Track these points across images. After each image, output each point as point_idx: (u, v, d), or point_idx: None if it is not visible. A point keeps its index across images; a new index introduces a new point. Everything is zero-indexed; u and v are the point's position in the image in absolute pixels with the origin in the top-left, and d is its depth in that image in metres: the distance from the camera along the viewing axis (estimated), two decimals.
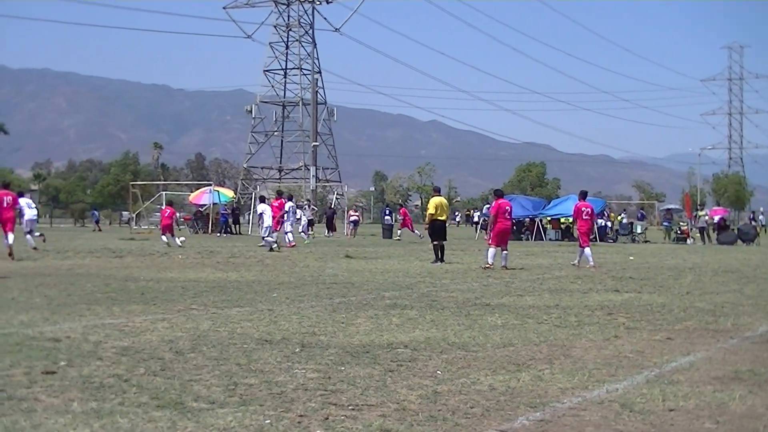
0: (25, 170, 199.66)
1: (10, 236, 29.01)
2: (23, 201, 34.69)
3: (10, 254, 28.48)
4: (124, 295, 17.00)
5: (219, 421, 7.05)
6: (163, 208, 45.80)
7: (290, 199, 42.98)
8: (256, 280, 21.19)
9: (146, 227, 75.02)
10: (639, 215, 67.88)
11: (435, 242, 29.34)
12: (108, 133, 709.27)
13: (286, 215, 40.91)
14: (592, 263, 27.24)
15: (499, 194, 28.52)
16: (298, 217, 40.18)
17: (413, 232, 55.63)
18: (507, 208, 27.78)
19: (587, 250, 27.77)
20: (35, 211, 37.84)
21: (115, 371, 9.07)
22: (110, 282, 19.97)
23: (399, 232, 57.99)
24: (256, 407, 7.56)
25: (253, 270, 24.95)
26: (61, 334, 11.49)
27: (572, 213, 31.75)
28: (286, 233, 40.02)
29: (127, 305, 15.12)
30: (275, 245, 37.09)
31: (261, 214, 39.08)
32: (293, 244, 39.40)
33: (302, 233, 41.49)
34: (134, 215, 79.09)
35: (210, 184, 77.78)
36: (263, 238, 38.84)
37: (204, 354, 10.21)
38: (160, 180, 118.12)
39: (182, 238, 42.31)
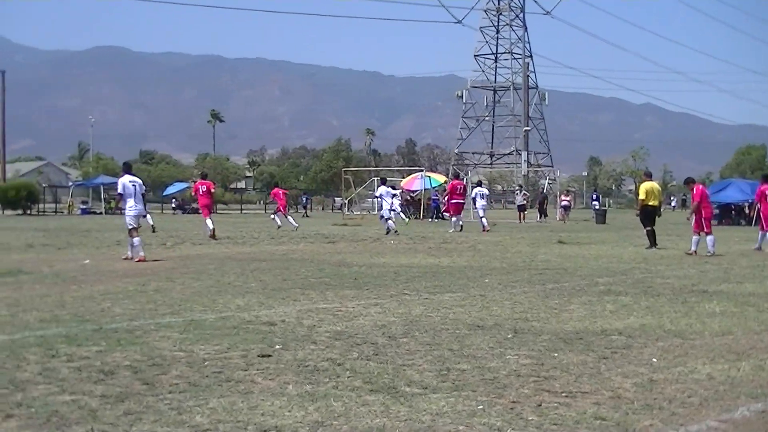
0: (240, 157, 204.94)
1: (208, 221, 32.76)
2: (124, 180, 35.58)
3: (213, 236, 31.95)
4: (337, 280, 17.23)
5: (431, 406, 7.04)
6: (275, 189, 46.49)
7: (383, 183, 42.97)
8: (468, 266, 21.16)
9: (358, 213, 75.97)
10: None
11: (647, 228, 28.76)
12: (320, 120, 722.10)
13: (380, 198, 40.94)
14: None
15: (689, 181, 28.00)
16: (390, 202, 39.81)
17: None
18: (707, 193, 27.61)
19: None
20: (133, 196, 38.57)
21: (329, 355, 9.18)
22: (324, 267, 20.27)
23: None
24: (469, 393, 7.52)
25: (465, 255, 24.93)
26: (276, 318, 11.72)
27: (755, 196, 30.61)
28: (385, 219, 39.67)
29: (340, 290, 15.31)
30: (394, 229, 37.42)
31: (380, 196, 40.01)
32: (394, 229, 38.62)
33: (400, 215, 41.33)
34: (346, 201, 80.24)
35: (422, 170, 78.13)
36: (383, 219, 39.48)
37: (416, 339, 10.24)
38: (371, 166, 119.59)
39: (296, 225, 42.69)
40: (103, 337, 10.09)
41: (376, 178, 71.92)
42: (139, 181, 23.39)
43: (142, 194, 23.16)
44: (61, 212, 62.35)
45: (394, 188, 43.26)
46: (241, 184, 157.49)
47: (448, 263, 21.97)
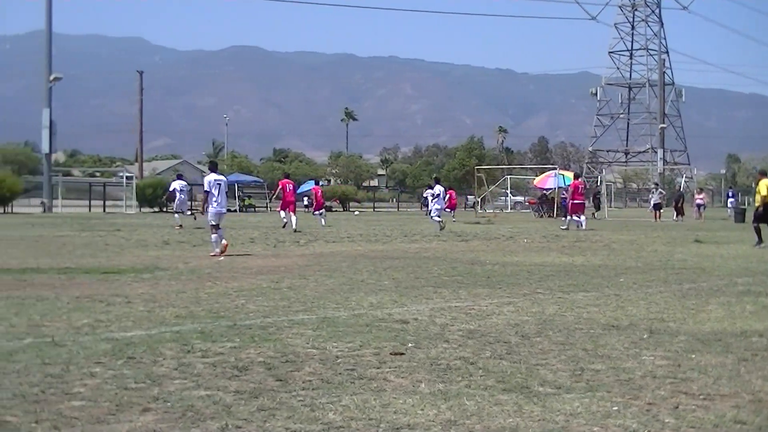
0: (373, 155, 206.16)
1: (293, 217, 37.43)
2: (177, 184, 42.62)
3: (296, 230, 35.89)
4: (470, 278, 17.18)
5: (565, 406, 6.95)
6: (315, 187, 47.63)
7: (438, 183, 42.98)
8: (603, 265, 20.91)
9: (491, 211, 75.77)
10: None
11: (756, 224, 28.33)
12: (453, 118, 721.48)
13: (436, 199, 40.94)
14: None
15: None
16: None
17: None
18: None
19: None
20: (185, 196, 43.54)
21: (462, 354, 9.14)
22: (456, 265, 20.23)
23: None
24: (603, 393, 7.41)
25: (599, 254, 24.66)
26: (408, 316, 11.72)
27: None
28: (433, 217, 40.33)
29: (473, 288, 15.26)
30: (442, 225, 38.00)
31: (437, 195, 40.65)
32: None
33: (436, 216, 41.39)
34: (479, 199, 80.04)
35: (555, 168, 77.58)
36: (431, 217, 40.61)
37: (550, 338, 10.14)
38: (504, 164, 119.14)
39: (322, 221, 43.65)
40: (238, 333, 10.20)
41: (509, 177, 71.70)
42: (224, 179, 24.18)
43: (226, 192, 23.94)
44: (197, 210, 63.23)
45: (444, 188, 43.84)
46: (374, 182, 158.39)
47: (582, 262, 21.75)
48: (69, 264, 19.65)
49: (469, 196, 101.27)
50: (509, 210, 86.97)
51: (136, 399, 7.02)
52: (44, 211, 67.72)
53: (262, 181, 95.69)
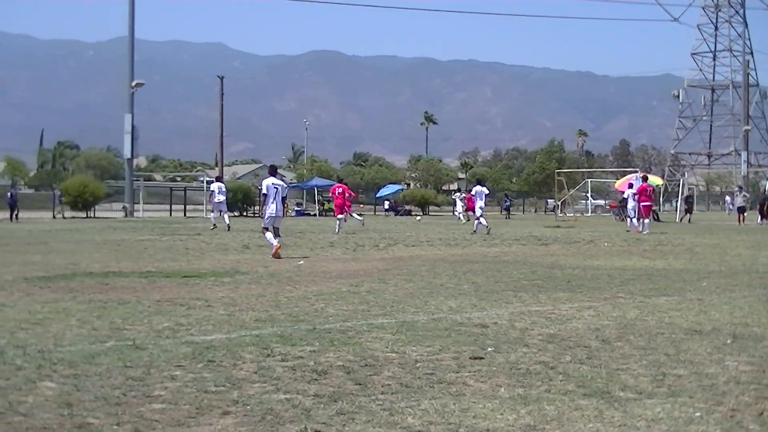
0: (453, 159, 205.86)
1: (340, 217, 40.28)
2: (215, 186, 44.71)
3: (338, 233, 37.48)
4: (550, 282, 17.07)
5: (647, 411, 6.87)
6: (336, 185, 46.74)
7: (479, 183, 43.05)
8: (685, 269, 20.66)
9: (571, 214, 75.35)
10: None
11: None
12: (533, 121, 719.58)
13: (478, 198, 40.91)
14: None
15: None
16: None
17: None
18: None
19: None
20: (223, 197, 44.49)
21: (542, 358, 9.08)
22: (536, 269, 20.13)
23: None
24: (686, 399, 7.30)
25: (681, 258, 24.37)
26: (488, 320, 11.67)
27: None
28: (478, 218, 40.29)
29: (553, 292, 15.16)
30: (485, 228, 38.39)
31: (480, 193, 40.85)
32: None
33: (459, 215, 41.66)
34: (559, 203, 79.66)
35: (636, 171, 76.91)
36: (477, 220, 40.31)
37: (631, 343, 10.03)
38: (584, 167, 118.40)
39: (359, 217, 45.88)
40: (317, 337, 10.23)
41: (589, 180, 71.27)
42: (282, 184, 24.57)
43: (283, 197, 24.24)
44: (311, 213, 64.15)
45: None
46: (453, 186, 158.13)
47: (664, 266, 21.51)
48: (150, 268, 19.89)
49: (549, 200, 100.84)
50: (589, 213, 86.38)
51: (216, 402, 7.07)
52: (126, 215, 68.75)
53: None
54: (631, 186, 47.59)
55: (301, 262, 21.90)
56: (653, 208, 50.01)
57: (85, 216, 67.34)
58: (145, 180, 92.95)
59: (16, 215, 56.92)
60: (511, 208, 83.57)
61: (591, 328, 11.12)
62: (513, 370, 8.43)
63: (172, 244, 29.67)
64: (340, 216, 40.76)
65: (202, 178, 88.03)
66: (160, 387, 7.59)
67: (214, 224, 42.58)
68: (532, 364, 8.77)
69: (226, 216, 43.53)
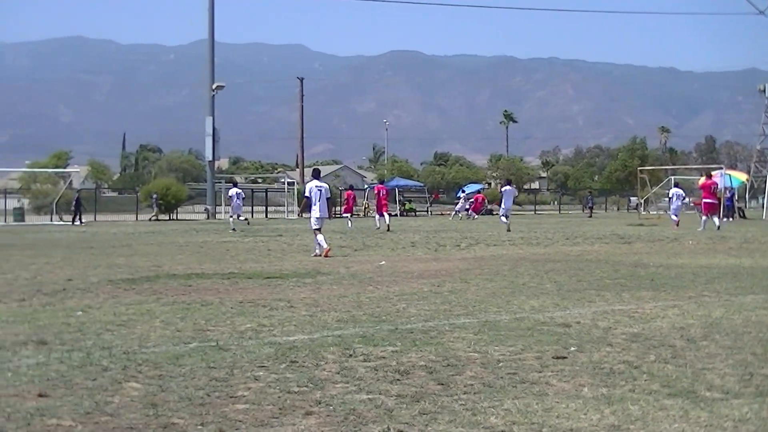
0: (534, 158, 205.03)
1: (387, 216, 42.98)
2: (234, 191, 46.74)
3: (389, 229, 40.93)
4: (633, 281, 16.91)
5: (733, 411, 6.77)
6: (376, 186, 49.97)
7: (509, 184, 44.85)
8: None
9: (654, 212, 74.53)
10: None
11: None
12: (615, 118, 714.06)
13: (507, 197, 42.62)
14: None
15: None
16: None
17: None
18: None
19: None
20: (241, 201, 47.36)
21: (625, 357, 9.00)
22: (619, 268, 19.95)
23: None
24: None
25: None
26: (571, 320, 11.60)
27: None
28: (501, 217, 42.33)
29: (636, 291, 15.01)
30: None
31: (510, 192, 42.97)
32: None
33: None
34: (642, 201, 78.82)
35: (720, 168, 75.86)
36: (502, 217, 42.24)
37: (716, 342, 9.89)
38: (668, 164, 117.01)
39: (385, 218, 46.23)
40: (399, 337, 10.24)
41: (672, 177, 70.44)
42: (325, 186, 25.28)
43: (327, 198, 24.97)
44: (357, 215, 64.20)
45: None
46: (535, 185, 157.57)
47: (750, 264, 21.19)
48: (233, 269, 20.05)
49: (631, 198, 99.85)
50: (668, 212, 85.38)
51: (299, 402, 7.10)
52: (208, 217, 69.46)
53: (422, 185, 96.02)
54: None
55: (383, 262, 21.93)
56: (738, 205, 49.48)
57: (168, 218, 68.15)
58: (226, 182, 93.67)
59: (80, 218, 57.69)
60: (593, 207, 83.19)
61: (675, 327, 10.99)
62: (596, 370, 8.37)
63: (254, 245, 29.89)
64: (383, 214, 43.38)
65: (283, 180, 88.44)
66: (243, 387, 7.65)
67: (233, 227, 43.78)
68: (615, 363, 8.70)
69: (235, 216, 45.69)
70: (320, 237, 24.24)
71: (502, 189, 44.13)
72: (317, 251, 24.21)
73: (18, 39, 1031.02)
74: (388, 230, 40.52)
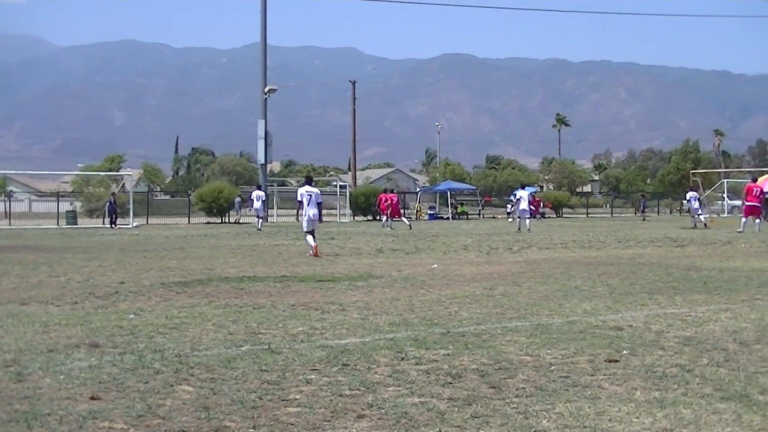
0: (586, 161, 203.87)
1: (405, 220, 49.94)
2: (255, 194, 52.06)
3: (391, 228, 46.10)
4: (686, 284, 16.82)
5: None
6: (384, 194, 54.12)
7: (524, 187, 48.08)
8: None
9: (707, 216, 73.99)
10: None
11: None
12: (668, 121, 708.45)
13: (524, 200, 45.06)
14: None
15: None
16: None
17: None
18: None
19: None
20: (260, 203, 52.16)
21: (678, 361, 8.97)
22: (672, 271, 19.85)
23: None
24: None
25: None
26: (623, 323, 11.56)
27: None
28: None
29: (689, 295, 14.94)
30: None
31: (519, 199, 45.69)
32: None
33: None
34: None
35: None
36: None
37: None
38: (721, 168, 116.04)
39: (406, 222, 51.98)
40: (451, 340, 10.26)
41: (725, 180, 69.90)
42: (316, 191, 26.76)
43: (318, 203, 26.41)
44: (409, 218, 64.33)
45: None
46: (587, 188, 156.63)
47: None
48: (285, 272, 20.14)
49: (684, 201, 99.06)
50: (726, 214, 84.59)
51: (351, 406, 7.15)
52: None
53: (475, 188, 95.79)
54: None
55: (435, 265, 21.95)
56: None
57: (220, 221, 68.49)
58: (278, 185, 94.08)
59: (114, 222, 57.97)
60: (646, 209, 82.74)
61: (728, 330, 10.94)
62: (649, 373, 8.36)
63: (307, 248, 30.01)
64: (401, 219, 50.90)
65: (335, 183, 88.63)
66: (295, 391, 7.70)
67: (259, 228, 48.94)
68: (668, 367, 8.68)
69: (260, 221, 51.36)
70: (309, 237, 26.02)
71: (519, 193, 46.58)
72: (311, 252, 25.70)
73: (72, 43, 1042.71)
74: (390, 229, 46.15)
